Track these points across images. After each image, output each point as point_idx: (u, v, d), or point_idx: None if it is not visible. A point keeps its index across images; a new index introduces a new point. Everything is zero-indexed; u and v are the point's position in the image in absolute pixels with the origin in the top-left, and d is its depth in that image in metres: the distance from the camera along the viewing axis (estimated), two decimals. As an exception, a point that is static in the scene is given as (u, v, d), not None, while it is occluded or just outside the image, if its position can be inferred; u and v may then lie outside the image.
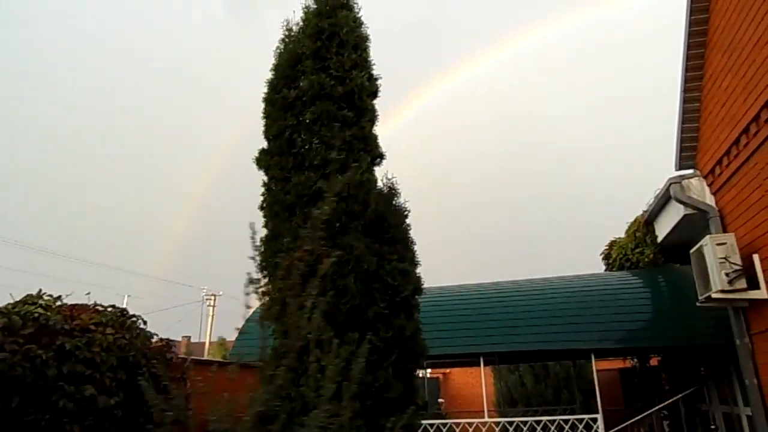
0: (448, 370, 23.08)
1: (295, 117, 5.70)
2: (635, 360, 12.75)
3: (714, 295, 7.13)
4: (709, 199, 8.41)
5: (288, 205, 5.35)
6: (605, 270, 13.07)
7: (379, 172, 5.99)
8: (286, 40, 6.22)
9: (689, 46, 8.12)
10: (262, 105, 5.98)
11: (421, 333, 5.51)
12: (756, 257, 6.82)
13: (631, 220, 11.39)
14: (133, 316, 6.05)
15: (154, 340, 6.23)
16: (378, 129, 6.00)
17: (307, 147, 5.57)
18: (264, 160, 5.69)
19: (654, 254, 10.40)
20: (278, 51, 6.16)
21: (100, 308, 5.68)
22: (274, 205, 5.47)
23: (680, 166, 9.04)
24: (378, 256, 5.34)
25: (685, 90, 8.41)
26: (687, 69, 8.27)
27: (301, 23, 6.24)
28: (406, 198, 5.89)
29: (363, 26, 6.27)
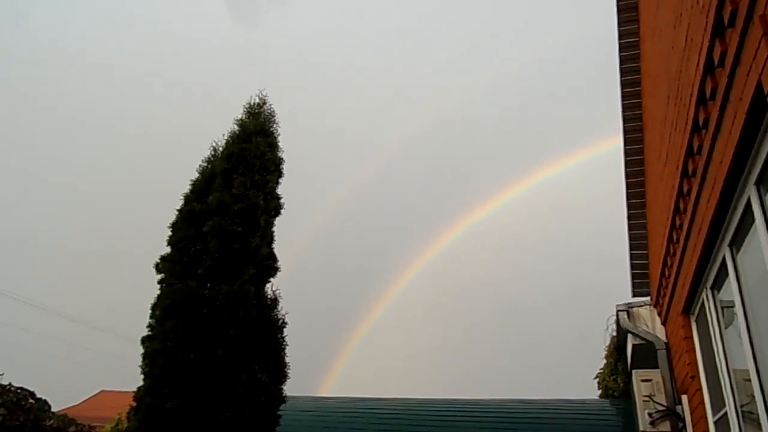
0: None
1: (195, 229, 6.35)
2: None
3: (638, 436, 6.64)
4: (660, 330, 7.98)
5: (166, 309, 5.87)
6: (599, 396, 12.17)
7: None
8: (211, 158, 7.04)
9: (627, 175, 8.10)
10: (175, 214, 6.70)
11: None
12: (684, 399, 6.35)
13: (608, 343, 10.71)
14: (40, 399, 6.63)
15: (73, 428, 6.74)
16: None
17: (197, 256, 6.15)
18: (161, 265, 6.32)
19: (624, 383, 9.67)
20: (200, 167, 6.98)
21: (4, 388, 6.33)
22: (157, 308, 6.00)
23: (634, 293, 8.66)
24: (239, 364, 5.63)
25: (629, 217, 8.27)
26: (628, 197, 8.20)
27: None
28: (287, 311, 6.23)
29: (278, 150, 6.98)
